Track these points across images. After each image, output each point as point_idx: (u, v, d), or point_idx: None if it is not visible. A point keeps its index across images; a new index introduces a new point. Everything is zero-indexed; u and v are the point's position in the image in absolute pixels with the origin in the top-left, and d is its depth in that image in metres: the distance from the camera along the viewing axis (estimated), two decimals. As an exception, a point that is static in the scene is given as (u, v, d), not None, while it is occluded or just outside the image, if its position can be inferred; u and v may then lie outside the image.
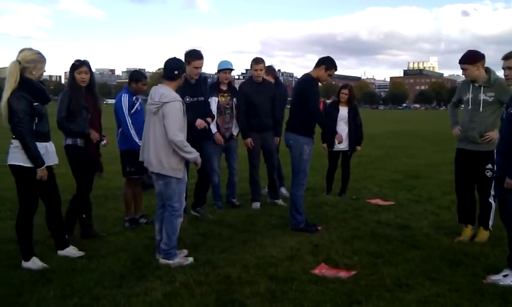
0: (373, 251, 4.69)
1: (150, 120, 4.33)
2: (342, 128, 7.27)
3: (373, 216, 6.14)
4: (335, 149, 7.36)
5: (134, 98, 5.64)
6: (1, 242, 4.86)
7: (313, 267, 4.24)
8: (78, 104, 4.80)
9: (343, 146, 7.31)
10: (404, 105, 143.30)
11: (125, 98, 5.56)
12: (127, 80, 5.79)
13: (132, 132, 5.49)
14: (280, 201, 6.89)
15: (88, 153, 4.95)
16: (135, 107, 5.59)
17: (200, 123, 5.49)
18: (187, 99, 5.54)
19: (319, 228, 5.49)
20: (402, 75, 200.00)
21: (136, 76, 5.75)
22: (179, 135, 4.24)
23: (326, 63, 5.49)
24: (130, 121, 5.51)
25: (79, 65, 4.88)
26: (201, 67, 5.69)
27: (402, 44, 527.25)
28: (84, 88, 4.93)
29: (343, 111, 7.30)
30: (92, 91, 5.05)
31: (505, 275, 3.93)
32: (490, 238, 5.04)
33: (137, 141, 5.44)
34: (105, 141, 5.22)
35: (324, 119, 6.13)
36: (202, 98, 5.85)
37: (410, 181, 9.04)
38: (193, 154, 4.37)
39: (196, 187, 6.05)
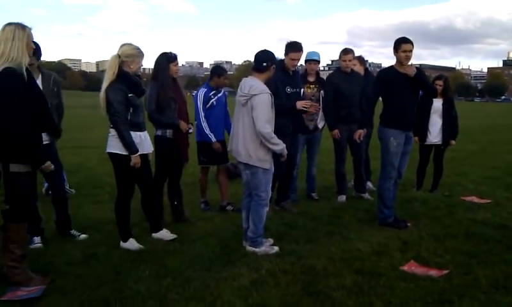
0: (467, 251, 4.44)
1: (239, 111, 4.43)
2: (436, 121, 6.94)
3: (467, 214, 5.79)
4: (427, 143, 7.06)
5: (212, 93, 5.84)
6: (103, 223, 5.26)
7: (402, 264, 4.10)
8: (166, 96, 5.03)
9: (436, 139, 6.99)
10: (503, 97, 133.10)
11: (201, 94, 5.83)
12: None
13: (204, 124, 5.74)
14: (367, 195, 6.75)
15: (175, 144, 5.19)
16: (210, 102, 5.81)
17: (301, 104, 5.57)
18: (288, 89, 5.64)
19: (408, 224, 5.30)
20: (500, 65, 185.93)
21: (218, 71, 6.00)
22: (267, 127, 4.30)
23: (394, 44, 5.32)
24: (203, 115, 5.75)
25: (175, 57, 5.16)
26: (298, 59, 5.66)
27: (501, 32, 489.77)
28: (172, 79, 5.18)
29: (437, 103, 6.95)
30: (176, 82, 5.33)
31: None
32: None
33: (208, 133, 5.70)
34: (191, 129, 5.46)
35: (365, 113, 5.88)
36: (299, 89, 5.90)
37: (509, 178, 8.41)
38: (280, 146, 4.40)
39: (278, 182, 6.00)
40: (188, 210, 5.77)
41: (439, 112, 6.93)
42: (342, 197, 6.60)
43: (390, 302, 3.35)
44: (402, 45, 5.26)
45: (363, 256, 4.26)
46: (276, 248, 4.46)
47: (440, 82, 6.97)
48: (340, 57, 6.62)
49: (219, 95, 5.89)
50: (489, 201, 6.58)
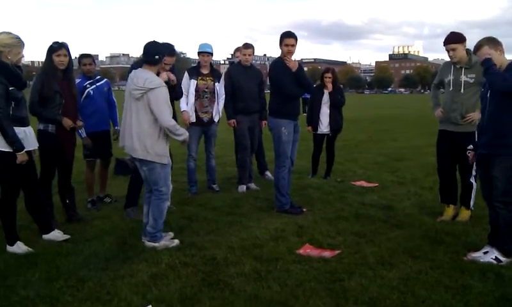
0: (357, 231, 4.76)
1: (132, 106, 4.26)
2: (326, 111, 7.31)
3: (357, 197, 6.21)
4: (319, 132, 7.41)
5: (87, 82, 5.67)
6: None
7: (298, 248, 4.29)
8: (50, 89, 4.70)
9: (327, 129, 7.37)
10: (390, 89, 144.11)
11: None
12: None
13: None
14: (268, 174, 7.06)
15: (58, 140, 4.86)
16: (86, 92, 5.63)
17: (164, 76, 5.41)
18: None
19: (304, 210, 5.54)
20: (387, 59, 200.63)
21: (79, 58, 5.83)
22: (171, 120, 4.25)
23: (279, 38, 5.46)
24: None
25: (58, 47, 4.77)
26: (170, 64, 5.21)
27: (387, 29, 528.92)
28: (61, 73, 4.83)
29: (327, 95, 7.32)
30: (68, 76, 4.93)
31: (485, 253, 4.02)
32: (471, 218, 5.14)
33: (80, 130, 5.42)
34: (78, 124, 5.09)
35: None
36: None
37: (394, 163, 9.15)
38: (184, 135, 4.37)
39: (130, 183, 5.54)
40: (84, 209, 5.52)
41: (329, 103, 7.30)
42: (243, 188, 6.69)
43: (286, 285, 3.49)
44: (284, 39, 5.42)
45: (262, 243, 4.38)
46: (176, 241, 4.42)
47: (329, 75, 7.35)
48: (240, 51, 6.73)
49: (97, 84, 5.71)
50: (376, 184, 7.10)
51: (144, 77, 4.22)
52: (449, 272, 3.73)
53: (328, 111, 7.31)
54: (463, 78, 4.94)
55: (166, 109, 4.22)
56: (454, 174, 5.26)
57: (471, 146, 4.72)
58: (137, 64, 5.03)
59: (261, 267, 3.81)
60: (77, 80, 5.56)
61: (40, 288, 3.39)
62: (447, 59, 5.10)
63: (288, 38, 5.41)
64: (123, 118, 4.41)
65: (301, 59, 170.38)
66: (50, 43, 4.84)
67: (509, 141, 3.90)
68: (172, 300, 3.24)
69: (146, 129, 4.22)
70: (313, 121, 7.37)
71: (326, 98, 7.31)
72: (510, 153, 3.91)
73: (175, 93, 5.33)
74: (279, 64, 5.52)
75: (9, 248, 4.17)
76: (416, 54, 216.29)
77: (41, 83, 4.69)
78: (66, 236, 4.53)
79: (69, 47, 4.87)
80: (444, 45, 4.94)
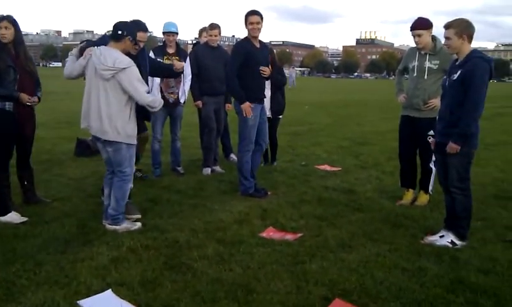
0: (319, 215, 4.83)
1: (99, 86, 4.12)
2: (267, 94, 7.02)
3: (320, 181, 6.29)
4: None
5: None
6: None
7: (261, 231, 4.32)
8: (3, 63, 4.47)
9: (268, 113, 7.09)
10: (356, 74, 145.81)
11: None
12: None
13: None
14: (232, 157, 7.22)
15: (17, 118, 4.65)
16: None
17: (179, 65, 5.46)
18: None
19: (269, 193, 5.58)
20: (354, 44, 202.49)
21: None
22: (148, 96, 4.20)
23: (244, 18, 5.38)
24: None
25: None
26: (143, 41, 5.06)
27: (354, 13, 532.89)
28: (12, 47, 4.59)
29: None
30: (18, 50, 4.65)
31: (441, 236, 4.15)
32: (430, 202, 5.29)
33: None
34: (35, 102, 4.79)
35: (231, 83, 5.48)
36: None
37: (357, 147, 9.30)
38: (158, 101, 4.35)
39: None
40: (43, 190, 5.36)
41: (269, 85, 6.91)
42: (207, 170, 6.66)
43: (249, 267, 3.51)
44: (249, 17, 5.35)
45: (225, 226, 4.39)
46: (138, 224, 4.37)
47: None
48: (206, 31, 6.65)
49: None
50: (339, 168, 7.21)
51: (113, 56, 4.10)
52: (406, 254, 3.84)
53: (270, 93, 6.93)
54: (427, 64, 5.03)
55: (141, 86, 4.14)
56: (415, 159, 5.38)
57: (432, 132, 4.84)
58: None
59: (224, 250, 3.82)
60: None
61: (-5, 272, 3.29)
62: (413, 45, 5.17)
63: (252, 16, 5.33)
64: (85, 96, 4.25)
65: (270, 41, 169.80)
66: None
67: None
68: (133, 283, 3.21)
69: (116, 110, 4.13)
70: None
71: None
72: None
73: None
74: (240, 46, 5.47)
75: (-37, 230, 4.03)
76: (383, 39, 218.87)
77: None
78: (24, 219, 4.41)
79: (15, 19, 4.58)
80: (410, 30, 5.00)
